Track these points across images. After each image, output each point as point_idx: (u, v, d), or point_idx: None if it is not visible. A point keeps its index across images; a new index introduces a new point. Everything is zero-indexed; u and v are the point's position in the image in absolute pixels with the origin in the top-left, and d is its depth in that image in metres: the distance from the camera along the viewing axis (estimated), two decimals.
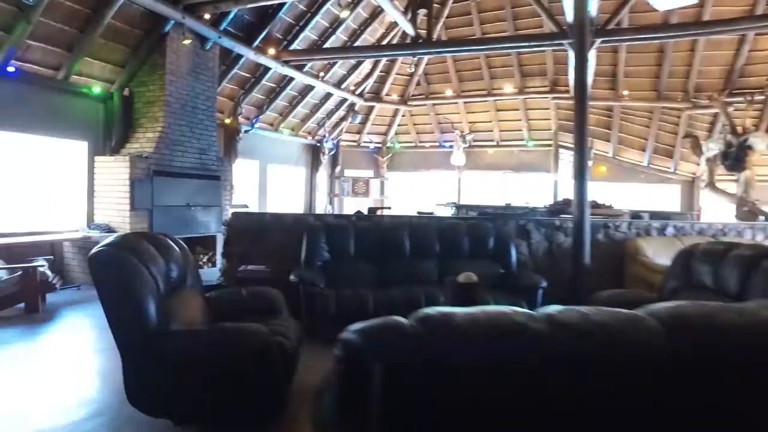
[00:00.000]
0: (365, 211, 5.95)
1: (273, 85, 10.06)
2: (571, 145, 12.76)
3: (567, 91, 11.58)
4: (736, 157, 10.18)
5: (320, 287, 4.15)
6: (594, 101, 11.67)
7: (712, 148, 10.73)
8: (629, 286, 5.10)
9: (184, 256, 3.07)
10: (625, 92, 11.41)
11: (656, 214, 7.42)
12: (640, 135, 12.14)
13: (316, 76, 10.50)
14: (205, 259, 7.97)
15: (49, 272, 5.22)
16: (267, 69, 9.29)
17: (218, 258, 7.23)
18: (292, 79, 10.04)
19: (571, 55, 7.64)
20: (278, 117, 11.08)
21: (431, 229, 4.97)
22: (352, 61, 11.25)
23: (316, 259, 4.66)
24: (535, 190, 13.01)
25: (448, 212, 8.40)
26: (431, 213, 8.04)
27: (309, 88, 10.88)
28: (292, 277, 4.20)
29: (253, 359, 2.36)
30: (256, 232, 4.97)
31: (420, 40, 8.02)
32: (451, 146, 13.40)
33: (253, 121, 10.01)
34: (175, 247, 3.02)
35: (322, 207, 13.16)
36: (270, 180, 11.30)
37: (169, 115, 7.22)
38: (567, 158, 12.63)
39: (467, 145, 12.63)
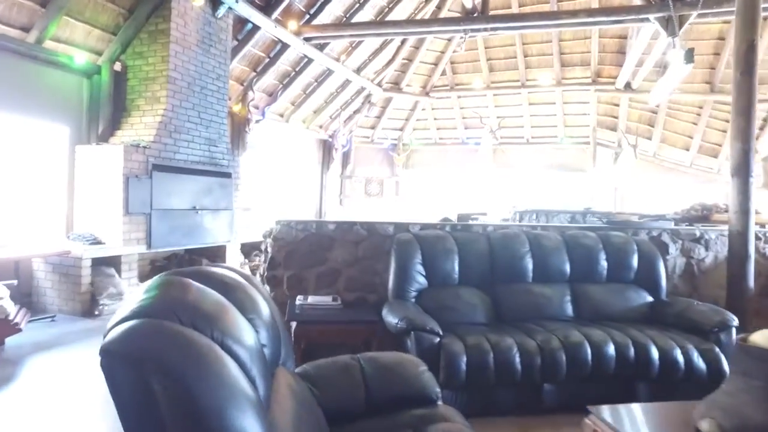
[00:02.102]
0: (453, 218, 4.56)
1: (289, 68, 8.60)
2: (611, 143, 11.72)
3: (611, 82, 10.41)
4: None
5: (440, 335, 2.75)
6: (637, 93, 10.55)
7: None
8: None
9: (267, 303, 1.64)
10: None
11: None
12: (685, 132, 11.03)
13: (336, 59, 9.07)
14: None
15: (9, 306, 3.68)
16: (284, 48, 7.84)
17: None
18: (310, 61, 8.61)
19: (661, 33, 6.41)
20: (290, 107, 9.61)
21: (557, 243, 3.61)
22: (376, 44, 9.85)
23: (410, 287, 3.26)
24: (570, 191, 11.82)
25: (506, 218, 7.07)
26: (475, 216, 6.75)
27: (326, 74, 9.45)
28: (395, 321, 2.79)
29: None
30: (311, 247, 3.54)
31: (475, 14, 6.68)
32: (476, 143, 12.11)
33: (264, 109, 8.52)
34: (253, 289, 1.60)
35: (332, 210, 11.71)
36: (280, 178, 9.81)
37: (173, 95, 5.73)
38: (605, 156, 11.48)
39: (497, 142, 11.33)
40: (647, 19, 6.44)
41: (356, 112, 11.49)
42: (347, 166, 12.14)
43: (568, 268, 3.58)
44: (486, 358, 2.72)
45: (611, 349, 2.85)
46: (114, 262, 5.24)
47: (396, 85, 11.48)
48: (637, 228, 4.17)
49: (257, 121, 8.16)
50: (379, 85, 11.01)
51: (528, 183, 12.20)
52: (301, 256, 3.51)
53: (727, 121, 10.76)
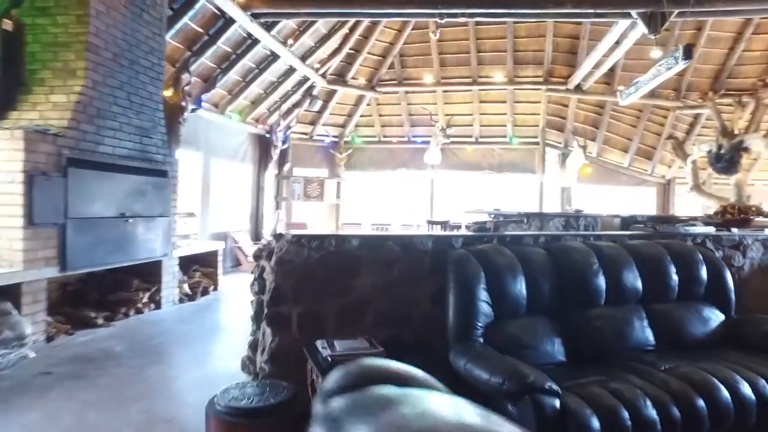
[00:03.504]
0: (484, 222, 3.77)
1: (229, 49, 7.37)
2: (558, 144, 11.71)
3: (563, 82, 10.33)
4: (730, 159, 9.62)
5: (559, 395, 1.95)
6: (587, 95, 10.59)
7: (704, 149, 10.14)
8: None
9: None
10: (620, 87, 10.42)
11: None
12: (625, 135, 11.29)
13: (283, 43, 7.97)
14: (145, 299, 5.16)
15: None
16: (227, 24, 6.65)
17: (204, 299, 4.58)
18: (254, 43, 7.44)
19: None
20: (226, 96, 8.33)
21: (625, 257, 2.98)
22: (324, 30, 8.86)
23: (477, 322, 2.43)
24: (518, 192, 11.65)
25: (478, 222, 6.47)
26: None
27: (269, 60, 8.31)
28: (496, 379, 1.95)
29: None
30: (330, 272, 2.58)
31: None
32: (423, 142, 11.52)
33: (199, 97, 7.21)
34: None
35: (270, 215, 10.50)
36: (214, 179, 8.48)
37: (95, 69, 4.39)
38: (553, 157, 11.44)
39: (448, 141, 10.80)
40: (629, 14, 6.16)
41: (296, 105, 10.39)
42: (284, 165, 10.96)
43: (640, 285, 2.96)
44: (619, 418, 1.97)
45: (746, 389, 2.25)
46: (11, 292, 3.82)
47: (341, 78, 10.54)
48: (684, 235, 3.69)
49: (193, 110, 6.86)
50: (323, 76, 10.01)
51: (477, 184, 11.86)
52: (318, 284, 2.54)
53: (662, 125, 11.19)
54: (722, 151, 9.66)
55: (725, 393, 2.19)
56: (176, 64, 6.54)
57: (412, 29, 10.07)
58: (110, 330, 4.51)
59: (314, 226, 11.31)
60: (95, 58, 4.37)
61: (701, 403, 2.13)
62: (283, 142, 10.27)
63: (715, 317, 3.08)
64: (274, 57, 8.25)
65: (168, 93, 6.41)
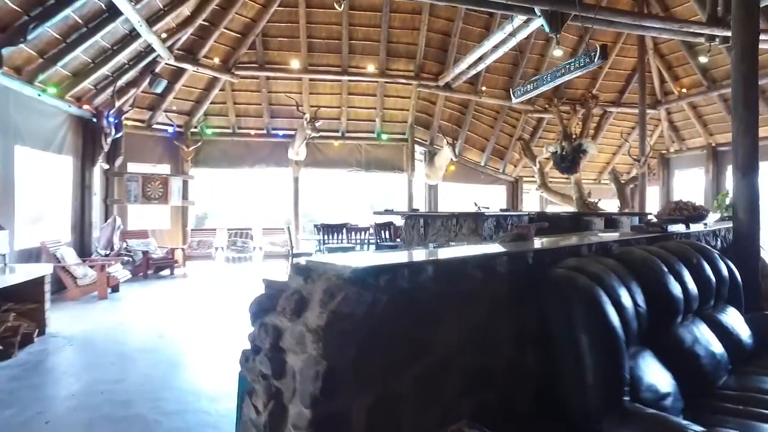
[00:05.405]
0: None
1: None
2: (425, 141, 11.59)
3: (433, 79, 10.23)
4: (572, 160, 10.71)
5: None
6: (453, 94, 10.71)
7: (550, 150, 11.11)
8: None
9: None
10: (484, 88, 10.80)
11: None
12: (484, 135, 11.80)
13: None
14: None
15: None
16: None
17: None
18: None
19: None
20: (36, 58, 6.04)
21: (674, 262, 2.56)
22: None
23: (625, 372, 1.69)
24: (387, 191, 11.28)
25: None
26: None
27: (103, 17, 6.29)
28: None
29: None
30: (400, 322, 1.53)
31: None
32: (285, 135, 10.34)
33: None
34: None
35: (101, 223, 8.17)
36: (20, 175, 6.09)
37: None
38: (419, 155, 11.33)
39: (317, 135, 9.80)
40: (532, 10, 6.09)
41: (132, 84, 8.27)
42: (116, 159, 8.67)
43: (697, 293, 2.57)
44: None
45: None
46: None
47: (191, 54, 8.74)
48: (686, 233, 3.48)
49: None
50: (170, 50, 8.14)
51: (344, 183, 11.14)
52: (388, 349, 1.48)
53: (515, 127, 11.98)
54: (565, 153, 10.60)
55: None
56: None
57: (279, 5, 8.85)
58: None
59: (160, 235, 9.23)
60: None
61: None
62: (116, 130, 8.05)
63: (742, 319, 2.88)
64: (110, 14, 6.27)
65: None
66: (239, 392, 2.49)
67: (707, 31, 6.96)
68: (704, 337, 2.37)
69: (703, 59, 8.13)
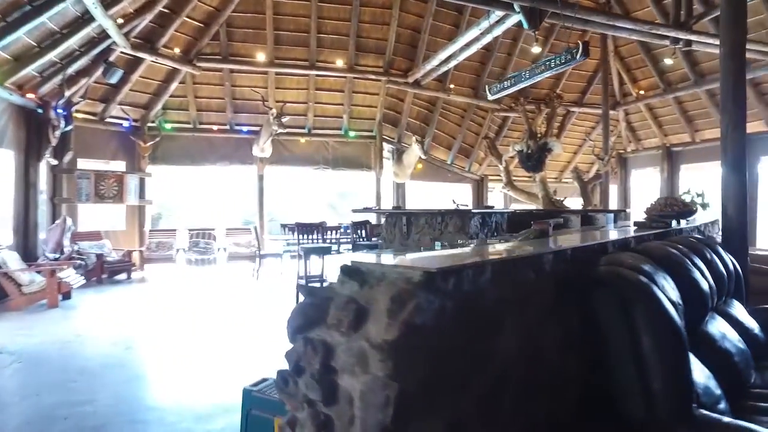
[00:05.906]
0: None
1: None
2: (393, 139, 11.42)
3: (402, 75, 10.08)
4: (538, 159, 10.86)
5: None
6: (422, 91, 10.61)
7: (516, 149, 11.22)
8: None
9: None
10: (452, 86, 10.76)
11: None
12: (451, 133, 11.77)
13: None
14: None
15: None
16: None
17: None
18: None
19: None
20: None
21: (693, 259, 2.52)
22: None
23: (691, 380, 1.57)
24: (352, 190, 11.05)
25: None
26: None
27: None
28: None
29: None
30: (467, 330, 1.34)
31: None
32: (249, 131, 9.92)
33: None
34: None
35: (47, 224, 7.50)
36: None
37: None
38: (387, 153, 11.16)
39: (284, 131, 9.43)
40: (511, 6, 6.05)
41: (83, 73, 7.64)
42: (65, 155, 7.99)
43: (716, 288, 2.54)
44: None
45: None
46: None
47: (149, 43, 8.19)
48: (680, 230, 3.47)
49: None
50: (126, 37, 7.58)
51: (310, 181, 10.83)
52: (456, 363, 1.29)
53: (481, 125, 12.03)
54: (531, 151, 10.71)
55: None
56: None
57: None
58: None
59: (115, 237, 8.61)
60: None
61: None
62: (65, 123, 7.40)
63: (745, 311, 2.88)
64: None
65: None
66: (243, 411, 2.24)
67: (673, 34, 7.16)
68: (730, 333, 2.31)
69: (668, 61, 8.39)
